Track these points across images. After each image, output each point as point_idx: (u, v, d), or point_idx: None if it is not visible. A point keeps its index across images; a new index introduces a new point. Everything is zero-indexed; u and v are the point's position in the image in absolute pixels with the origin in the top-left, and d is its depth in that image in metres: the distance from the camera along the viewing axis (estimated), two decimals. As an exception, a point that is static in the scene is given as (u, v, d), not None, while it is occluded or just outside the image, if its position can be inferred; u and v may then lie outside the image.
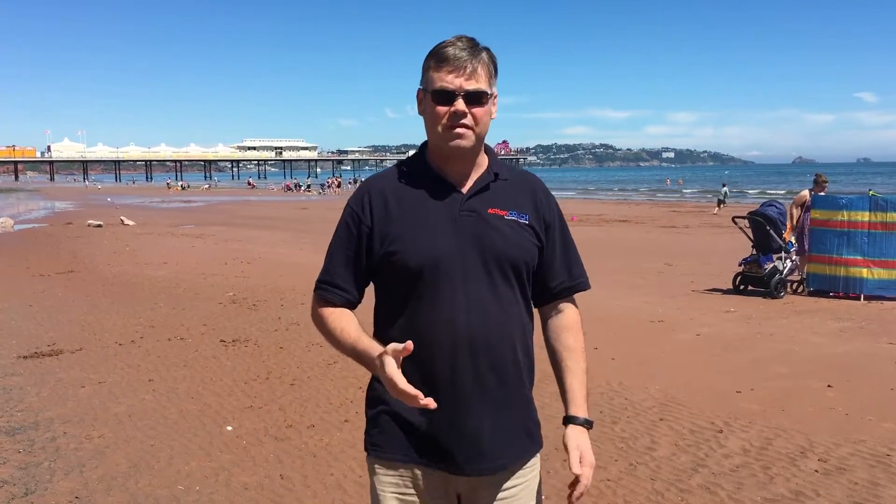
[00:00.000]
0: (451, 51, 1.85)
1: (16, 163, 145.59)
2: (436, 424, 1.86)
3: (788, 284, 11.05)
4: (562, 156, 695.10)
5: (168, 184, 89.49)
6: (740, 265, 11.13)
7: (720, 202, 33.81)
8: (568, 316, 2.05)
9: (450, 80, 1.84)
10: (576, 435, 1.95)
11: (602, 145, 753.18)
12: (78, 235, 21.34)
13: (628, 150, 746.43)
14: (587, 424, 1.98)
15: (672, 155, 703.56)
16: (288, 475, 4.39)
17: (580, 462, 1.90)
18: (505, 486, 1.94)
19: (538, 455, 2.02)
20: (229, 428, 5.21)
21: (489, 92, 1.89)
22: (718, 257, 14.71)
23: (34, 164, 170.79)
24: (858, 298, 10.24)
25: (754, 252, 11.06)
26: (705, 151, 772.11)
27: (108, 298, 10.53)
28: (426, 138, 1.99)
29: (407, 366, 1.82)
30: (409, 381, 1.80)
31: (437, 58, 1.87)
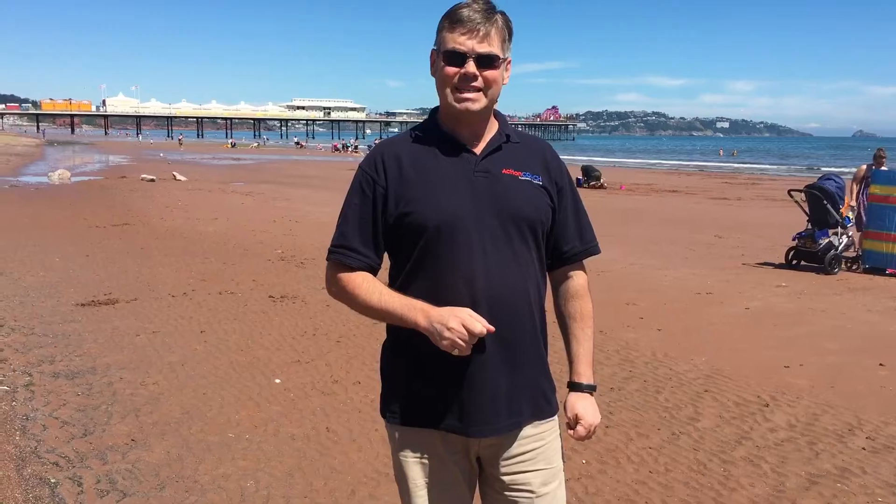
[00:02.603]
0: (465, 12, 1.82)
1: (72, 116, 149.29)
2: (454, 386, 1.86)
3: (843, 261, 10.77)
4: (612, 123, 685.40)
5: (180, 140, 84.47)
6: (794, 239, 10.87)
7: None
8: (577, 282, 2.05)
9: (462, 42, 1.82)
10: (575, 401, 2.00)
11: (654, 113, 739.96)
12: (132, 189, 21.86)
13: (681, 118, 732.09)
14: (590, 389, 2.02)
15: (727, 125, 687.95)
16: (334, 428, 4.50)
17: (580, 423, 1.97)
18: (525, 447, 1.95)
19: (556, 417, 2.02)
20: (278, 381, 5.34)
21: (501, 56, 1.87)
22: (771, 231, 14.41)
23: (89, 118, 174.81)
24: (916, 277, 9.96)
25: (809, 226, 10.80)
26: (762, 122, 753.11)
27: (161, 251, 10.80)
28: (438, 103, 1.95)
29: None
30: (426, 345, 1.81)
31: (450, 18, 1.84)
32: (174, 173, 27.79)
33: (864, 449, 4.31)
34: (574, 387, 2.02)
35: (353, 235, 1.93)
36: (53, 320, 6.87)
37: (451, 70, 1.84)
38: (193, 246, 11.37)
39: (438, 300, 1.80)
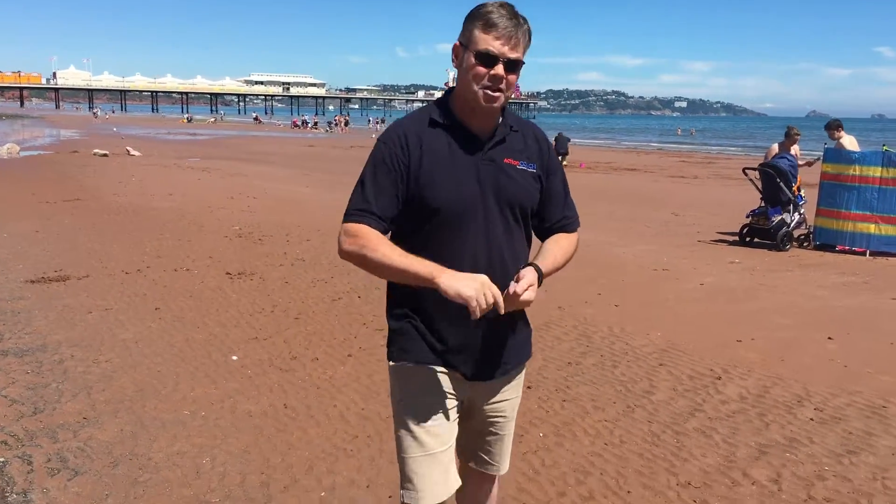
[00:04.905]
0: (499, 19, 2.02)
1: (21, 89, 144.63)
2: (459, 338, 2.14)
3: (794, 238, 11.00)
4: (573, 101, 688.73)
5: (95, 113, 79.16)
6: (748, 217, 11.08)
7: None
8: (565, 233, 2.32)
9: (496, 46, 2.02)
10: (528, 271, 2.09)
11: (614, 92, 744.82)
12: (84, 164, 21.31)
13: (640, 98, 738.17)
14: (538, 271, 2.11)
15: (684, 105, 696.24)
16: (292, 405, 4.47)
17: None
18: (505, 385, 2.31)
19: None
20: (234, 357, 5.28)
21: (523, 61, 2.10)
22: (726, 208, 14.65)
23: (39, 91, 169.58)
24: (864, 254, 10.22)
25: (763, 204, 11.00)
26: (718, 102, 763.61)
27: (115, 227, 10.57)
28: (450, 86, 2.17)
29: (433, 291, 1.99)
30: (433, 303, 2.06)
31: (485, 22, 2.03)
32: (128, 148, 27.15)
33: (811, 420, 4.42)
34: (531, 265, 2.16)
35: (373, 201, 2.07)
36: (1, 297, 6.69)
37: (482, 70, 2.04)
38: (148, 222, 11.14)
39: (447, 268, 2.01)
